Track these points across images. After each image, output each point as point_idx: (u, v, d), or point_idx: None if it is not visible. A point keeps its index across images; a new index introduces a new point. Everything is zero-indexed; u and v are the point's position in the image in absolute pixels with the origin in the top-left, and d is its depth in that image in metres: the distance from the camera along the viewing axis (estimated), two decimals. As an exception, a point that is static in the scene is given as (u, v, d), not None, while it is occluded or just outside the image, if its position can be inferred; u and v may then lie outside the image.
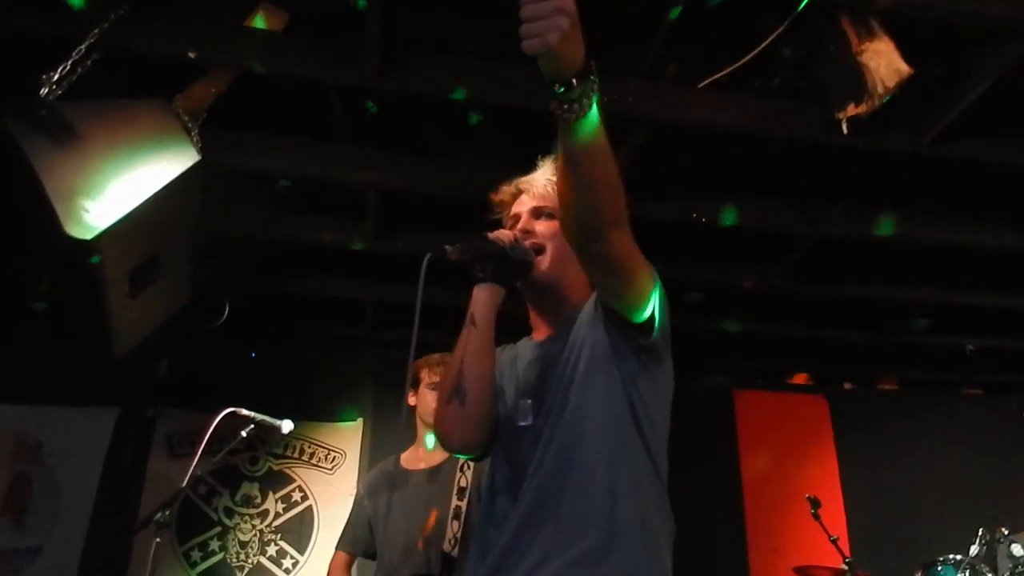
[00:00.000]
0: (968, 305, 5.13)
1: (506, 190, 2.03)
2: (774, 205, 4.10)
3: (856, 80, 2.74)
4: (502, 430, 1.84)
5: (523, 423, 1.79)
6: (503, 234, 1.85)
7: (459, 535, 3.41)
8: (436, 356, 3.43)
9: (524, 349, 1.97)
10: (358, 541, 3.53)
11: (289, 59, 3.07)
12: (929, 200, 4.13)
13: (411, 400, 3.45)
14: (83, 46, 2.73)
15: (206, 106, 3.12)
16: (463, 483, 3.23)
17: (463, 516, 3.25)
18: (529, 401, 1.81)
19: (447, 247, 1.73)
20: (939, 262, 4.71)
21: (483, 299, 1.84)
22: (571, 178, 1.51)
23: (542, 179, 1.98)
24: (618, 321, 1.71)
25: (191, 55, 2.94)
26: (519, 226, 1.94)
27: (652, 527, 1.67)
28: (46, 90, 2.66)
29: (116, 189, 2.76)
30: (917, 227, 4.19)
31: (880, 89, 2.71)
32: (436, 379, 3.35)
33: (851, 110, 2.83)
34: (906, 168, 3.79)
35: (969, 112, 3.22)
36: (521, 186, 2.00)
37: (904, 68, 2.72)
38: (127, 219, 2.80)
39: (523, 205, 1.97)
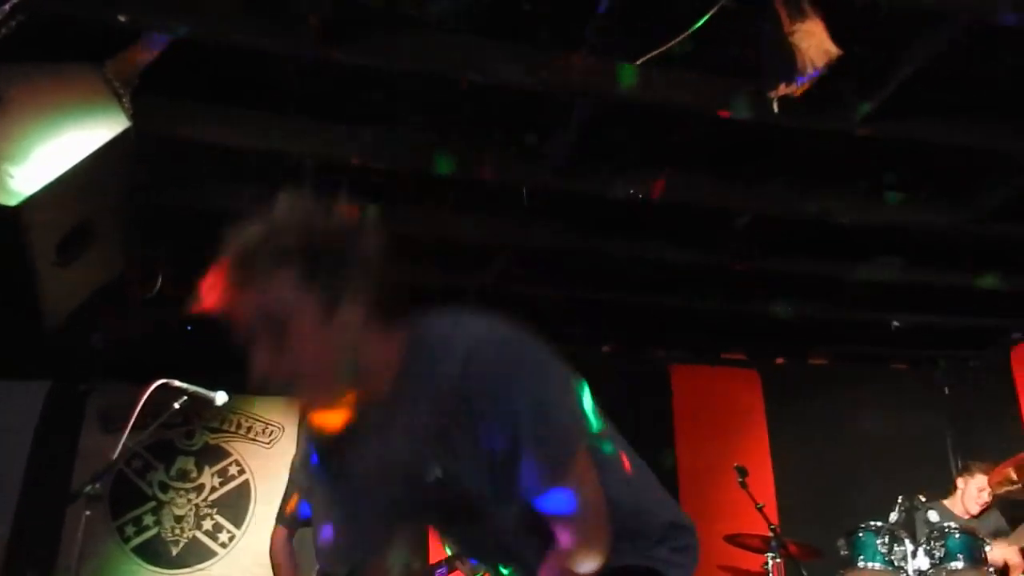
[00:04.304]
0: (895, 282, 5.30)
1: None
2: (712, 181, 4.17)
3: (787, 60, 2.80)
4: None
5: None
6: None
7: None
8: None
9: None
10: (296, 516, 3.52)
11: (227, 25, 3.00)
12: (861, 178, 4.25)
13: None
14: (7, 6, 2.64)
15: (138, 72, 3.04)
16: None
17: None
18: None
19: None
20: (868, 240, 4.85)
21: None
22: None
23: (233, 280, 1.40)
24: None
25: (121, 19, 2.86)
26: None
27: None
28: (-32, 51, 2.57)
29: (42, 154, 2.69)
30: (848, 205, 4.31)
31: (809, 69, 2.78)
32: None
33: (782, 89, 2.90)
34: (841, 147, 3.88)
35: (900, 93, 3.32)
36: None
37: (833, 49, 2.79)
38: (54, 185, 2.73)
39: None
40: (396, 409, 1.49)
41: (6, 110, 2.70)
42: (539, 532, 1.54)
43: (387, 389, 1.48)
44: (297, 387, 1.46)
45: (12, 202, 2.64)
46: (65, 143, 2.75)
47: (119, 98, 2.98)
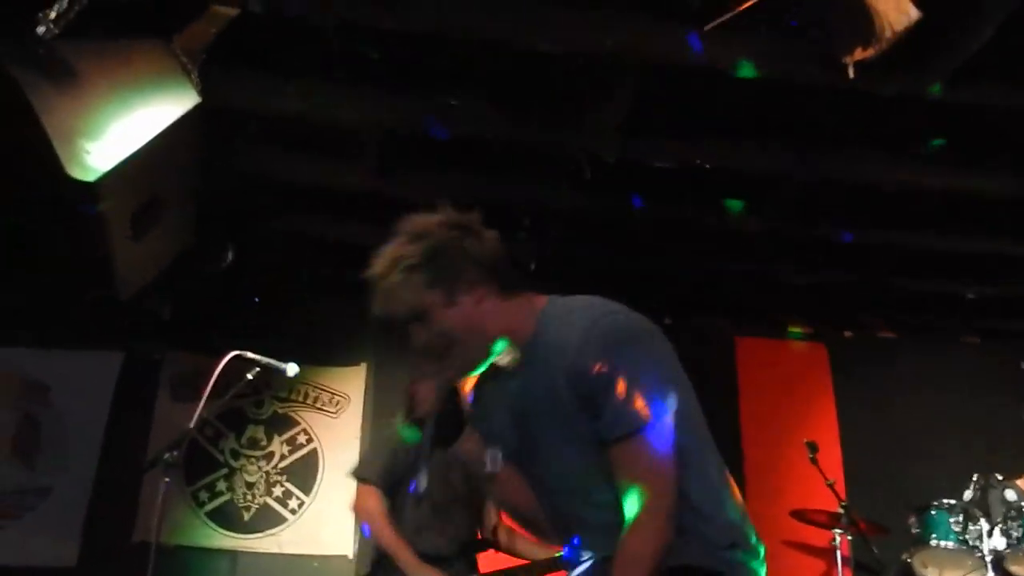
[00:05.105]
0: (968, 252, 5.12)
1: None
2: (777, 149, 4.07)
3: (864, 23, 2.70)
4: None
5: None
6: (420, 398, 1.87)
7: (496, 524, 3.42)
8: None
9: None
10: (394, 474, 3.32)
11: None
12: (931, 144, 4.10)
13: None
14: (80, -17, 2.69)
15: (205, 46, 3.08)
16: None
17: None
18: None
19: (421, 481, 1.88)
20: (940, 208, 4.68)
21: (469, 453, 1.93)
22: None
23: (384, 294, 1.80)
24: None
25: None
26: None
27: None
28: (44, 29, 2.62)
29: (117, 130, 2.74)
30: (919, 172, 4.17)
31: (888, 32, 2.68)
32: None
33: (858, 54, 2.79)
34: (909, 112, 3.75)
35: (974, 58, 3.18)
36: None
37: (913, 12, 2.68)
38: (129, 161, 2.79)
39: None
40: (527, 372, 1.81)
41: (81, 86, 2.77)
42: (612, 508, 1.71)
43: (521, 354, 1.82)
44: (452, 358, 1.83)
45: (90, 178, 2.70)
46: (138, 119, 2.81)
47: (188, 73, 3.03)
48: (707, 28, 3.09)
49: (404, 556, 3.18)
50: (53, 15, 2.63)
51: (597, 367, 1.67)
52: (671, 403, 1.72)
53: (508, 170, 4.30)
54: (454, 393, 1.90)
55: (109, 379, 5.31)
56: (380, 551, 3.32)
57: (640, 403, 1.67)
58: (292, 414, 5.47)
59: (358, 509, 3.42)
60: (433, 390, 1.86)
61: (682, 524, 1.68)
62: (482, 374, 1.90)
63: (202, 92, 2.98)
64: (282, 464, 5.35)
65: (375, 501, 3.32)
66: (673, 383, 1.78)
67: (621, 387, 1.66)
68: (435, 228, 1.81)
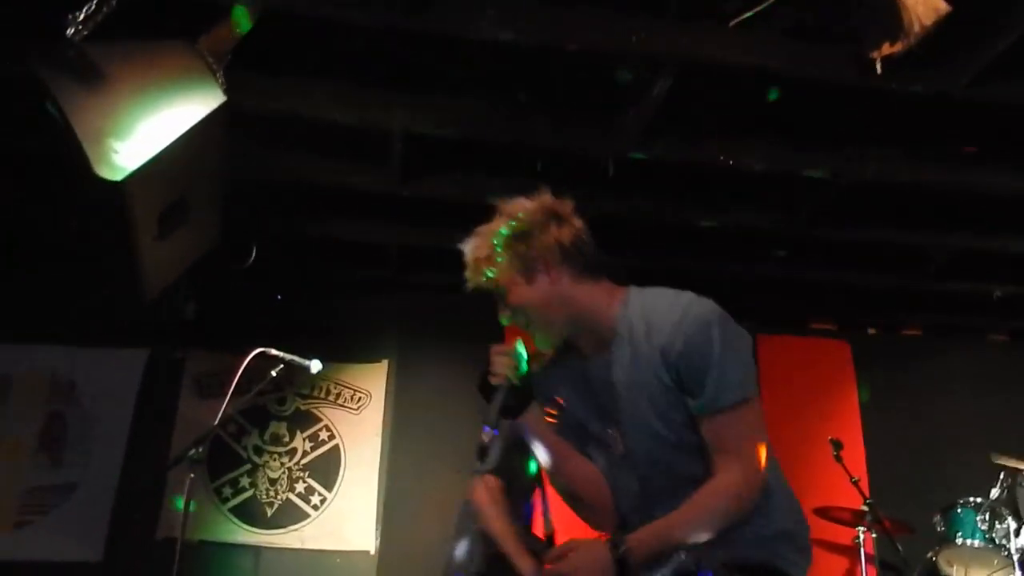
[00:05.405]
0: (996, 250, 5.07)
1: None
2: (800, 146, 4.03)
3: (892, 18, 2.67)
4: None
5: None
6: (498, 362, 1.95)
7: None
8: None
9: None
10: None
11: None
12: (957, 142, 4.05)
13: None
14: (108, -12, 2.71)
15: (230, 47, 3.10)
16: None
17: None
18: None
19: (483, 437, 1.86)
20: (967, 206, 4.64)
21: (532, 427, 2.01)
22: None
23: (472, 265, 2.00)
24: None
25: (216, -7, 2.91)
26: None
27: None
28: (72, 31, 2.65)
29: (144, 130, 2.76)
30: (944, 170, 4.12)
31: (917, 27, 2.65)
32: None
33: (886, 49, 2.76)
34: (934, 110, 3.71)
35: (1006, 54, 3.14)
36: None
37: (942, 6, 2.65)
38: (156, 160, 2.81)
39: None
40: (613, 352, 1.93)
41: (109, 87, 2.78)
42: (696, 483, 1.84)
43: (607, 334, 1.94)
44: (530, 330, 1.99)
45: (118, 177, 2.72)
46: (165, 118, 2.82)
47: (213, 73, 3.04)
48: (732, 24, 3.07)
49: (510, 545, 2.96)
50: (81, 17, 2.65)
51: (697, 345, 1.81)
52: (753, 375, 1.91)
53: (532, 172, 4.29)
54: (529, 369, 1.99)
55: (134, 376, 5.36)
56: (490, 547, 3.03)
57: (739, 379, 1.83)
58: (314, 411, 5.49)
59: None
60: (510, 360, 1.95)
61: (760, 500, 1.84)
62: (552, 355, 2.03)
63: (228, 94, 2.99)
64: (304, 460, 5.38)
65: (482, 490, 3.08)
66: (752, 357, 1.93)
67: (723, 363, 1.80)
68: (525, 211, 1.95)
